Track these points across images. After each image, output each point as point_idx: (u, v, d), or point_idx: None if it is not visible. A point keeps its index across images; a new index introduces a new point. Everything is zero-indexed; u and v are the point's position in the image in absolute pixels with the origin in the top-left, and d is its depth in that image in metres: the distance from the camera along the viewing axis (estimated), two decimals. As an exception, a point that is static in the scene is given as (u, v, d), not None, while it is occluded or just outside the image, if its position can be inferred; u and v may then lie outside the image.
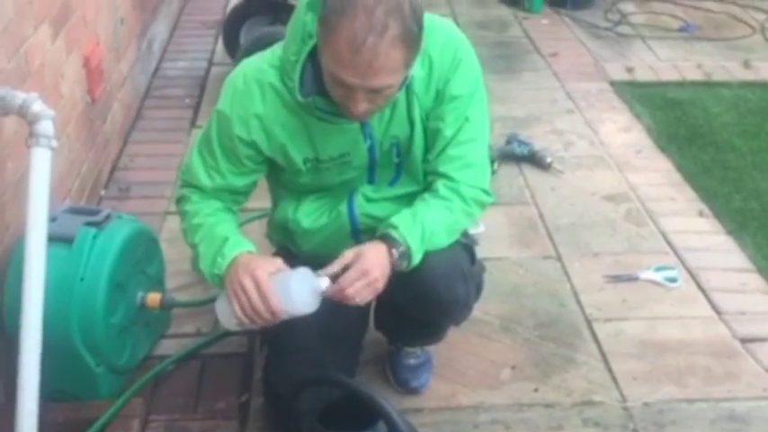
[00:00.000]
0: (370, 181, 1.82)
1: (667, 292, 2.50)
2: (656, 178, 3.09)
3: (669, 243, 2.71)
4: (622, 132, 3.43)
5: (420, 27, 1.51)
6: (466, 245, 1.88)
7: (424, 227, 1.68)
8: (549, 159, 3.12)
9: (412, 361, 2.10)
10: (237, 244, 1.69)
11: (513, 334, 2.31)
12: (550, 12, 4.72)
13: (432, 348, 2.14)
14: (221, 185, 1.77)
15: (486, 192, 1.78)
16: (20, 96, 1.80)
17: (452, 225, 1.74)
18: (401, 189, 1.82)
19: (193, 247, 1.75)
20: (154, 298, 2.07)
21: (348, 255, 1.62)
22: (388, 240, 1.65)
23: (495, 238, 2.68)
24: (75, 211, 2.05)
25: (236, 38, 3.59)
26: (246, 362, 2.17)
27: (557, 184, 3.05)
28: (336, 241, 1.77)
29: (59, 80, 2.42)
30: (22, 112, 1.80)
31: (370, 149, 1.75)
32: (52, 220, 1.84)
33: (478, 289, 1.93)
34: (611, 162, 3.19)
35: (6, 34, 2.00)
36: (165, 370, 2.11)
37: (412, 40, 1.49)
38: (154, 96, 3.61)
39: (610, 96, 3.74)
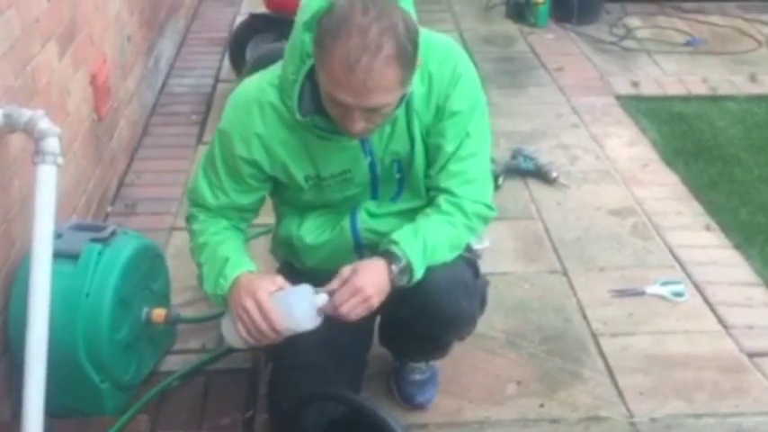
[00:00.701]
0: (373, 197, 1.82)
1: (674, 306, 2.48)
2: (663, 192, 3.09)
3: (675, 257, 2.70)
4: (628, 146, 3.43)
5: (415, 45, 1.52)
6: (469, 259, 1.88)
7: (425, 242, 1.68)
8: (554, 174, 3.12)
9: (417, 376, 2.10)
10: (238, 264, 1.69)
11: (519, 349, 2.30)
12: (556, 26, 4.73)
13: (437, 363, 2.13)
14: (226, 204, 1.78)
15: (488, 206, 1.78)
16: (26, 114, 1.82)
17: (454, 240, 1.75)
18: (404, 204, 1.82)
19: (198, 266, 1.77)
20: (159, 314, 2.07)
21: (346, 271, 1.63)
22: (389, 256, 1.65)
23: (500, 253, 2.68)
24: (80, 227, 2.06)
25: (242, 54, 3.61)
26: (251, 378, 2.17)
27: (562, 198, 3.04)
28: (340, 256, 1.77)
29: (66, 97, 2.44)
30: (29, 130, 1.82)
31: (371, 166, 1.75)
32: (58, 236, 1.86)
33: (482, 303, 1.93)
34: (616, 176, 3.19)
35: (13, 52, 2.02)
36: (170, 386, 2.11)
37: (406, 58, 1.50)
38: (160, 113, 3.63)
39: (615, 111, 3.74)
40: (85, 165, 2.61)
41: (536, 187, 3.10)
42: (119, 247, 1.98)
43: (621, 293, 2.52)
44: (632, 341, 2.34)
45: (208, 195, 1.78)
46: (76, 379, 1.90)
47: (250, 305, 1.60)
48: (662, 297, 2.51)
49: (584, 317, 2.43)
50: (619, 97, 3.86)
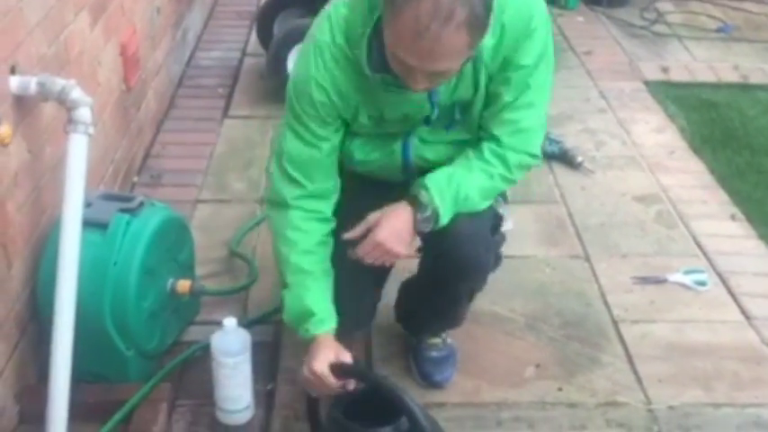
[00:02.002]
0: (426, 123, 1.79)
1: (696, 295, 2.48)
2: (689, 180, 3.06)
3: (699, 246, 2.69)
4: (655, 133, 3.40)
5: (488, 10, 1.48)
6: (495, 214, 1.88)
7: (458, 190, 1.70)
8: (579, 158, 3.10)
9: (434, 354, 2.11)
10: (320, 323, 1.75)
11: (539, 332, 2.30)
12: (586, 9, 4.69)
13: (454, 342, 2.15)
14: (317, 157, 1.74)
15: (532, 155, 1.78)
16: (59, 83, 1.84)
17: (489, 190, 1.77)
18: (456, 135, 1.81)
19: (282, 284, 1.80)
20: (184, 285, 2.10)
21: (371, 219, 1.70)
22: (416, 203, 1.69)
23: (523, 236, 2.67)
24: (109, 197, 2.08)
25: (269, 29, 3.61)
26: (272, 351, 2.19)
27: (587, 183, 3.03)
28: (387, 171, 1.83)
29: (97, 67, 2.46)
30: (61, 99, 1.83)
31: (432, 109, 1.74)
32: (87, 205, 1.88)
33: (497, 260, 1.95)
34: (642, 163, 3.16)
35: (47, 21, 2.03)
36: (194, 356, 2.13)
37: (478, 24, 1.46)
38: (187, 86, 3.64)
39: (644, 96, 3.71)
40: (113, 135, 2.63)
41: (561, 171, 3.09)
42: (146, 217, 2.00)
43: (643, 280, 2.52)
44: (653, 328, 2.33)
45: (299, 147, 1.73)
46: (103, 346, 1.93)
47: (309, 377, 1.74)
48: (684, 285, 2.50)
49: (606, 303, 2.42)
50: (648, 83, 3.82)
